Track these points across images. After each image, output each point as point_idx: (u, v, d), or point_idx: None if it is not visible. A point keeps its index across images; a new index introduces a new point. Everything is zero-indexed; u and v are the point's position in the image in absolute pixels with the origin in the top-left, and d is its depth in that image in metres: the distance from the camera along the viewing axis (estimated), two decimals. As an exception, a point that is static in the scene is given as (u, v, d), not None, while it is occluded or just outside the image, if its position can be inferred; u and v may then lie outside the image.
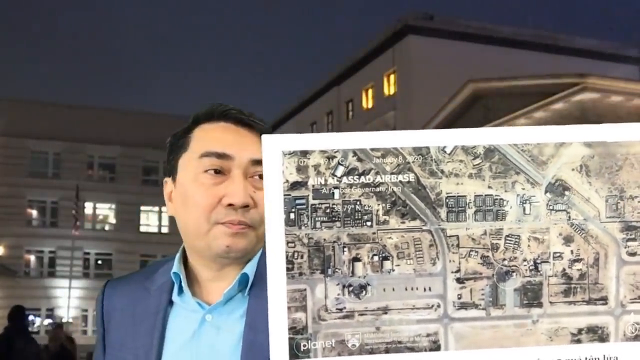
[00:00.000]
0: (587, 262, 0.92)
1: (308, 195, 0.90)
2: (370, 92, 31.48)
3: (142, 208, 35.32)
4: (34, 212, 34.54)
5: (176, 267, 1.21)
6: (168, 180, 1.26)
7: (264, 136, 0.91)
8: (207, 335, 1.16)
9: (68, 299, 30.14)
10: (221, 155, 1.16)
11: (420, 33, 28.66)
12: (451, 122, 22.38)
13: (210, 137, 1.19)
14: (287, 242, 0.89)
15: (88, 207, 34.69)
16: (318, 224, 0.90)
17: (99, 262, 34.82)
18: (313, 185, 0.90)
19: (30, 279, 33.44)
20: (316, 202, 0.90)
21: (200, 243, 1.18)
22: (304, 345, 0.89)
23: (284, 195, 0.90)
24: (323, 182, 0.90)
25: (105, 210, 35.63)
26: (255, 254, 1.19)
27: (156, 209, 35.23)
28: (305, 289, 0.89)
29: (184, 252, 1.25)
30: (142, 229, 35.52)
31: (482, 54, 28.27)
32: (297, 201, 0.90)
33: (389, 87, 30.06)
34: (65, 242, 31.50)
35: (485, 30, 29.83)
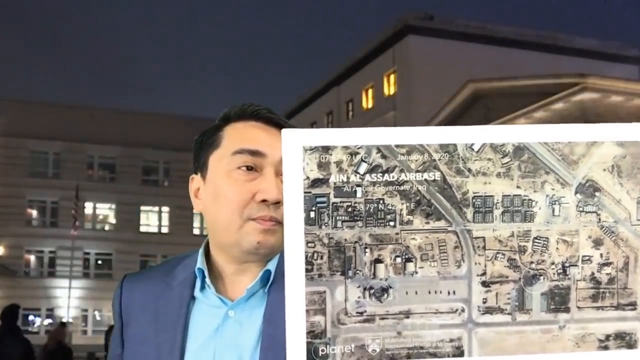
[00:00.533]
0: (617, 266, 0.89)
1: (329, 193, 0.87)
2: (370, 92, 31.52)
3: (142, 208, 35.38)
4: (34, 212, 34.58)
5: (200, 262, 1.23)
6: (195, 177, 1.28)
7: (283, 130, 0.88)
8: (230, 331, 1.17)
9: (68, 299, 30.15)
10: (254, 153, 1.19)
11: (420, 33, 28.71)
12: (451, 122, 22.39)
13: (243, 135, 1.22)
14: (307, 242, 0.86)
15: (88, 207, 34.73)
16: (339, 224, 0.87)
17: (99, 262, 34.87)
18: (335, 183, 0.87)
19: (30, 279, 33.48)
20: (338, 200, 0.87)
21: (229, 239, 1.19)
22: (322, 350, 0.86)
23: (304, 192, 0.87)
24: (345, 180, 0.87)
25: (105, 210, 35.68)
26: (281, 250, 1.20)
27: (156, 209, 35.30)
28: (324, 291, 0.86)
29: (206, 247, 1.26)
30: (142, 229, 35.57)
31: (482, 54, 28.33)
32: (318, 199, 0.87)
33: (389, 87, 30.09)
34: (65, 242, 31.51)
35: (485, 30, 29.88)
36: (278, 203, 1.15)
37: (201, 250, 1.25)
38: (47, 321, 32.03)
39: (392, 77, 29.90)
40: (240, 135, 1.22)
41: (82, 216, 33.25)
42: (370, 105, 31.48)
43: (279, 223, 1.16)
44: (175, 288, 1.24)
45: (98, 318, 33.27)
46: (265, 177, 1.18)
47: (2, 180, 32.64)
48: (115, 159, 35.05)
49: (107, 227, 35.61)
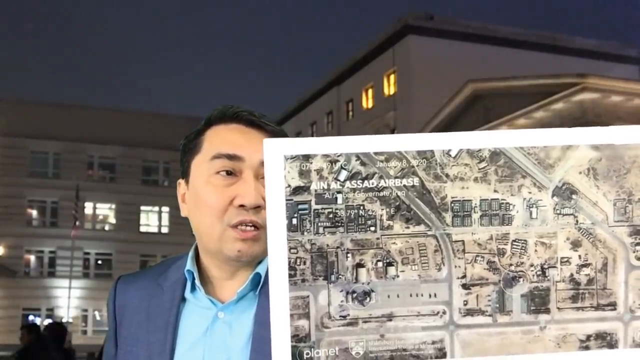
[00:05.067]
0: (595, 267, 0.91)
1: (310, 200, 0.88)
2: (370, 92, 31.49)
3: (142, 208, 35.35)
4: (34, 212, 34.54)
5: (189, 264, 1.22)
6: (181, 182, 1.28)
7: (265, 140, 0.89)
8: (220, 332, 1.17)
9: (68, 299, 30.14)
10: (232, 157, 1.17)
11: (420, 33, 28.68)
12: (451, 122, 22.41)
13: (222, 138, 1.20)
14: (290, 248, 0.88)
15: (88, 207, 34.69)
16: (321, 230, 0.88)
17: (99, 262, 34.83)
18: (316, 190, 0.88)
19: (30, 279, 33.46)
20: (319, 207, 0.88)
21: (212, 246, 1.19)
22: (307, 354, 0.87)
23: (286, 200, 0.88)
24: (326, 187, 0.88)
25: (105, 210, 35.63)
26: (265, 254, 1.18)
27: (156, 209, 35.27)
28: (308, 296, 0.88)
29: (196, 249, 1.26)
30: (142, 229, 35.54)
31: (482, 54, 28.30)
32: (300, 206, 0.88)
33: (389, 87, 30.07)
34: (65, 242, 31.48)
35: (485, 30, 29.85)
36: (258, 207, 1.14)
37: (191, 253, 1.25)
38: (47, 321, 32.02)
39: (392, 77, 29.88)
40: (219, 139, 1.20)
41: (82, 216, 33.21)
42: (370, 105, 31.46)
43: (261, 228, 1.15)
44: (167, 289, 1.25)
45: (98, 318, 33.25)
46: (244, 181, 1.16)
47: (2, 180, 32.62)
48: (115, 159, 35.01)
49: (107, 227, 35.56)
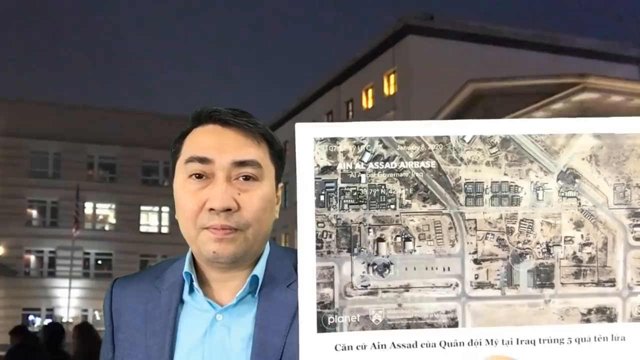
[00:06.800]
0: (596, 246, 0.98)
1: (337, 179, 0.97)
2: (370, 92, 31.47)
3: (142, 208, 35.29)
4: (34, 212, 34.48)
5: (187, 266, 1.22)
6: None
7: (297, 124, 0.98)
8: (218, 335, 1.18)
9: (68, 299, 30.09)
10: (202, 160, 1.16)
11: (420, 33, 28.67)
12: (451, 123, 22.35)
13: (195, 141, 1.20)
14: (317, 222, 0.96)
15: (88, 207, 34.64)
16: (346, 206, 0.96)
17: (99, 262, 34.77)
18: (342, 170, 0.97)
19: (30, 279, 33.41)
20: (344, 185, 0.97)
21: (193, 248, 1.20)
22: (331, 320, 0.95)
23: (315, 178, 0.97)
24: (351, 167, 0.97)
25: (105, 210, 35.57)
26: (249, 256, 1.21)
27: (156, 209, 35.21)
28: (333, 267, 0.96)
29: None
30: (142, 229, 35.47)
31: (482, 54, 28.30)
32: (327, 184, 0.97)
33: (389, 87, 30.05)
34: (65, 242, 31.42)
35: (485, 30, 29.84)
36: (229, 210, 1.14)
37: (188, 255, 1.24)
38: (47, 321, 31.98)
39: (392, 77, 29.85)
40: (193, 142, 1.20)
41: (82, 216, 33.16)
42: (370, 105, 31.44)
43: (235, 230, 1.15)
44: (164, 292, 1.24)
45: (98, 318, 33.12)
46: (214, 184, 1.16)
47: (2, 180, 32.55)
48: (115, 159, 34.94)
49: (107, 227, 35.51)
